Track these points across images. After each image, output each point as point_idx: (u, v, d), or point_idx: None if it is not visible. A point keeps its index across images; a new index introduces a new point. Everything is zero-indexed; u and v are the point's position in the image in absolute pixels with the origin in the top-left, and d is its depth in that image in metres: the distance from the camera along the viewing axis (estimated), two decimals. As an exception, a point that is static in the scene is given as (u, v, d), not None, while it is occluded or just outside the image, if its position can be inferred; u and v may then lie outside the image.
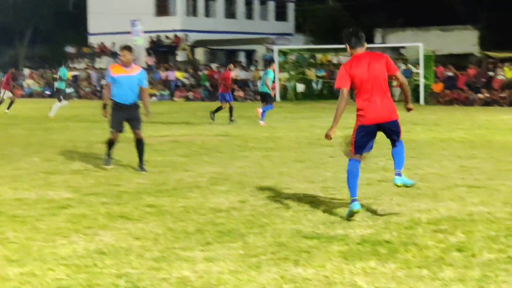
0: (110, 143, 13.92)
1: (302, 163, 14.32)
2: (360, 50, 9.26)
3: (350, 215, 8.99)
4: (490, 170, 13.12)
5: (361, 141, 9.31)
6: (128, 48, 13.72)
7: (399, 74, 9.35)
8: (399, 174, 9.37)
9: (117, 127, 13.71)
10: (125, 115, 13.61)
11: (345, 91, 9.27)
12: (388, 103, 9.16)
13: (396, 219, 8.97)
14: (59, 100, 29.37)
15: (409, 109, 9.69)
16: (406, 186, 9.45)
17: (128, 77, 13.47)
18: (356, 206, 8.97)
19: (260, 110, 24.58)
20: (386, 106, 9.15)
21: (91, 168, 13.90)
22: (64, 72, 30.09)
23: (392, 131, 9.32)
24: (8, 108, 32.16)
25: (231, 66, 28.63)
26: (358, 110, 9.35)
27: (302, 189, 11.21)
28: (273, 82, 28.02)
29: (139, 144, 13.65)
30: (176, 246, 7.81)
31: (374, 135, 9.39)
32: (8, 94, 33.70)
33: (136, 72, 13.65)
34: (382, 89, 9.15)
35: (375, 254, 7.41)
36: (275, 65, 26.64)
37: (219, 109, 26.31)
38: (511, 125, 23.76)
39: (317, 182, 11.87)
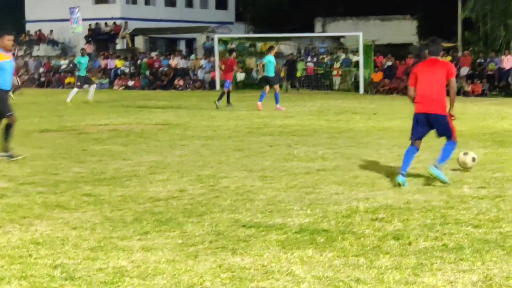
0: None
1: (241, 152, 14.31)
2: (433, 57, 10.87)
3: (394, 184, 10.48)
4: (426, 159, 13.22)
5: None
6: (11, 33, 13.56)
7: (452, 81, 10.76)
8: (436, 167, 10.66)
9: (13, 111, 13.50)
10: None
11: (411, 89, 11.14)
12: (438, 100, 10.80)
13: (334, 208, 9.02)
14: (79, 87, 30.30)
15: (451, 115, 10.94)
16: (438, 179, 10.61)
17: (11, 62, 13.36)
18: (399, 178, 10.48)
19: (260, 103, 25.54)
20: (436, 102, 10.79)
21: (28, 156, 13.68)
22: (79, 60, 30.34)
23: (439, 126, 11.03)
24: None
25: (234, 54, 30.31)
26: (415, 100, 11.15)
27: (241, 178, 11.21)
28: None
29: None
30: (114, 236, 7.75)
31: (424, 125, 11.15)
32: None
33: (12, 57, 13.59)
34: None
35: (313, 242, 7.44)
36: (275, 50, 27.25)
37: (222, 95, 27.31)
38: (448, 114, 24.04)
39: (256, 171, 11.87)
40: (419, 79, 10.78)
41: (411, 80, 11.04)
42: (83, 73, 30.09)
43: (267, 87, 26.05)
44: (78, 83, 30.42)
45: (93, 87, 30.95)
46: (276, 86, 26.01)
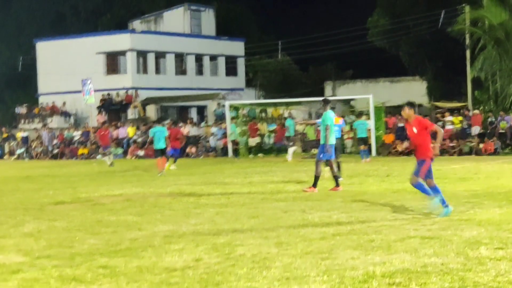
0: None
1: (255, 219, 14.29)
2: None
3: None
4: (442, 220, 13.22)
5: None
6: None
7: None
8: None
9: None
10: None
11: None
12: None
13: (351, 273, 8.97)
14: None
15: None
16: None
17: None
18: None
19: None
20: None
21: (43, 230, 13.72)
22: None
23: None
24: None
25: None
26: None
27: (256, 245, 11.17)
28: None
29: None
30: (130, 308, 7.72)
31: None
32: None
33: None
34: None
35: (331, 309, 7.39)
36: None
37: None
38: (462, 174, 24.04)
39: (271, 238, 11.84)
40: None
41: None
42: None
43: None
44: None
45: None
46: None
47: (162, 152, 29.02)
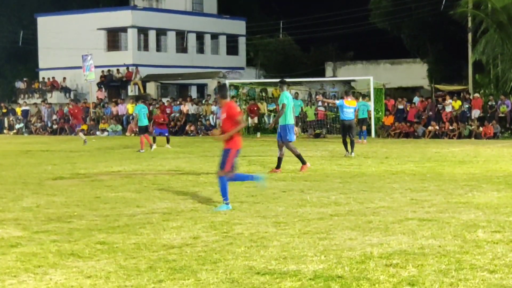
0: None
1: (253, 198, 14.31)
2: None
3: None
4: (440, 202, 13.24)
5: None
6: None
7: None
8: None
9: None
10: None
11: None
12: None
13: (348, 254, 9.00)
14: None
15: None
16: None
17: None
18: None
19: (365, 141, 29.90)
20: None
21: (42, 205, 13.75)
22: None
23: None
24: None
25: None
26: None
27: (254, 224, 11.20)
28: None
29: None
30: (128, 284, 7.75)
31: None
32: None
33: None
34: None
35: (328, 289, 7.42)
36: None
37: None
38: (461, 157, 24.05)
39: (269, 217, 11.87)
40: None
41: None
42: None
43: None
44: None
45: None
46: None
47: (146, 129, 30.09)
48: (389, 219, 11.50)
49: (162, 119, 32.23)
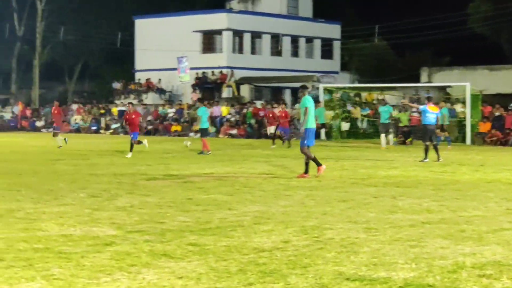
0: None
1: (345, 203, 14.27)
2: None
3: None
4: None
5: None
6: None
7: None
8: None
9: None
10: None
11: None
12: None
13: (440, 263, 8.88)
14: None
15: None
16: None
17: None
18: None
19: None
20: None
21: (135, 204, 13.99)
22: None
23: None
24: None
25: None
26: None
27: (345, 230, 11.16)
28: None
29: None
30: (218, 286, 7.81)
31: None
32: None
33: None
34: None
35: (418, 298, 7.34)
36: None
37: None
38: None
39: (360, 223, 11.81)
40: None
41: None
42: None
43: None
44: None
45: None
46: None
47: (206, 132, 30.58)
48: (483, 228, 11.30)
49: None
